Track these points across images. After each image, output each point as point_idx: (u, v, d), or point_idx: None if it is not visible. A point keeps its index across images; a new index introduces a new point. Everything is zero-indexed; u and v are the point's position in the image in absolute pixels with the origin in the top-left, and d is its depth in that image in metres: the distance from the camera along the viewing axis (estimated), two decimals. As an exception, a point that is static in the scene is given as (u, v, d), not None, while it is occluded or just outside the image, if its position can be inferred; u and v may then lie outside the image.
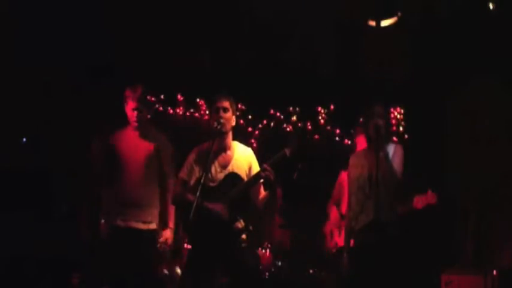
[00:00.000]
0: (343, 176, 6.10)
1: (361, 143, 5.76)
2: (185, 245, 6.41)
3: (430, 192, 4.93)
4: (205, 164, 4.25)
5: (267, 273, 6.51)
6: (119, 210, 4.71)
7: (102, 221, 4.73)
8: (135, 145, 4.82)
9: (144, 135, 4.86)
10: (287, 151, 4.33)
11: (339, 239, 6.03)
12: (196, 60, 7.36)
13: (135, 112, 4.79)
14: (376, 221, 4.40)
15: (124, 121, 4.88)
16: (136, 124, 4.82)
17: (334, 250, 6.04)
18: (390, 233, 4.47)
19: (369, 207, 4.47)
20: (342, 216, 6.07)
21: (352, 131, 7.64)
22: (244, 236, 4.40)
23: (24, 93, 6.57)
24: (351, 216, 4.67)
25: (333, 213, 6.18)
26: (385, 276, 4.34)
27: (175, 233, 4.97)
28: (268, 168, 4.27)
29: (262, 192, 4.47)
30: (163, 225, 4.85)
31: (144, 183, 4.78)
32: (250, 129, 7.71)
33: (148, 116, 4.87)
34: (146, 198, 4.77)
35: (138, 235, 4.71)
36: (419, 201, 5.01)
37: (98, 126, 5.00)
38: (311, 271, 6.76)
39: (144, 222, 4.75)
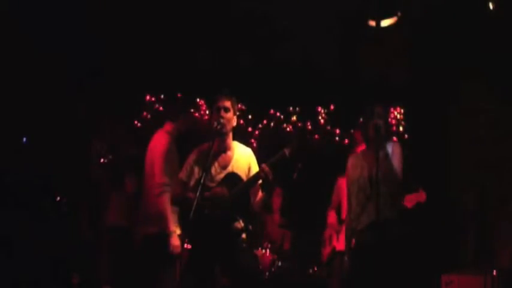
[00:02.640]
0: (341, 181, 6.09)
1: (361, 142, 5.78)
2: (185, 245, 6.39)
3: (421, 191, 4.92)
4: (205, 164, 4.24)
5: (267, 273, 6.50)
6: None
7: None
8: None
9: None
10: (286, 151, 4.32)
11: (337, 244, 6.03)
12: (195, 59, 7.37)
13: None
14: (377, 222, 4.39)
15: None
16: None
17: (329, 254, 6.06)
18: (392, 233, 4.47)
19: (370, 208, 4.46)
20: (340, 221, 6.05)
21: (352, 131, 7.68)
22: (244, 236, 4.40)
23: (24, 93, 6.57)
24: (351, 217, 4.65)
25: (331, 218, 6.18)
26: (386, 276, 4.34)
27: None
28: (266, 168, 4.27)
29: (260, 194, 4.46)
30: None
31: None
32: (250, 129, 7.70)
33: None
34: None
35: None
36: (410, 200, 4.98)
37: (97, 126, 5.00)
38: (311, 271, 6.75)
39: None
